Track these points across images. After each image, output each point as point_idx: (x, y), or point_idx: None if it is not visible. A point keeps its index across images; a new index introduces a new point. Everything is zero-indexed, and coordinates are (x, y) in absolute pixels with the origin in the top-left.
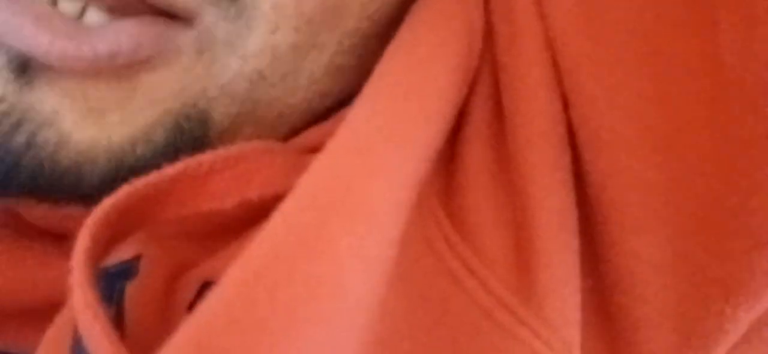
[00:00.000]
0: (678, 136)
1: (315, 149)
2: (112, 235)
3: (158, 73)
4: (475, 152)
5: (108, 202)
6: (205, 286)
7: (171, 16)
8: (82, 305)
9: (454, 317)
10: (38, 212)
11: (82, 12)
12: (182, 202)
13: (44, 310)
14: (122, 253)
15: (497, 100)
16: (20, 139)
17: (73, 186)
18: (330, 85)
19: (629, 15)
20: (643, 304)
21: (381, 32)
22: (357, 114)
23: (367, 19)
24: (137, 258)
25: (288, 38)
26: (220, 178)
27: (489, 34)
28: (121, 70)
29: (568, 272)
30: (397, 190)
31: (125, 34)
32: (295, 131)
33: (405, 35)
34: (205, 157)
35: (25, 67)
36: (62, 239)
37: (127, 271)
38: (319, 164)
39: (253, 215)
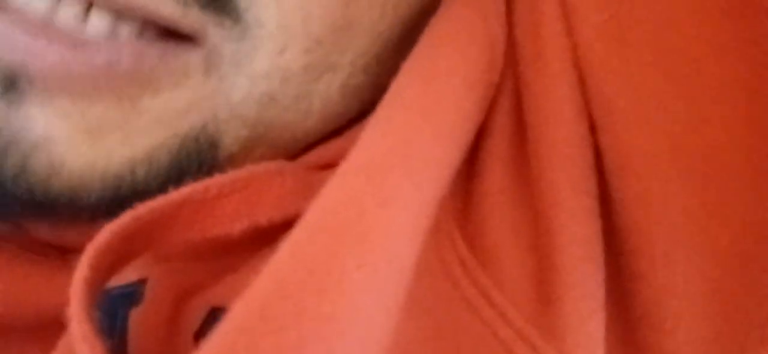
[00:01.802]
0: (716, 163)
1: (327, 166)
2: (114, 260)
3: (163, 95)
4: (495, 173)
5: (110, 228)
6: (213, 313)
7: (178, 35)
8: (79, 338)
9: (470, 348)
10: (42, 227)
11: (86, 15)
12: (189, 227)
13: (49, 326)
14: (127, 276)
15: (519, 118)
16: (10, 164)
17: (66, 210)
18: (345, 106)
19: (665, 33)
20: (673, 340)
21: (395, 48)
22: (371, 134)
23: (379, 36)
24: (142, 281)
25: (298, 60)
26: (228, 203)
27: (512, 48)
28: (123, 88)
29: (593, 304)
30: (413, 215)
31: (126, 48)
32: (307, 149)
33: (423, 49)
34: (213, 182)
35: (13, 82)
36: (67, 253)
37: (131, 295)
38: (330, 189)
39: (263, 237)
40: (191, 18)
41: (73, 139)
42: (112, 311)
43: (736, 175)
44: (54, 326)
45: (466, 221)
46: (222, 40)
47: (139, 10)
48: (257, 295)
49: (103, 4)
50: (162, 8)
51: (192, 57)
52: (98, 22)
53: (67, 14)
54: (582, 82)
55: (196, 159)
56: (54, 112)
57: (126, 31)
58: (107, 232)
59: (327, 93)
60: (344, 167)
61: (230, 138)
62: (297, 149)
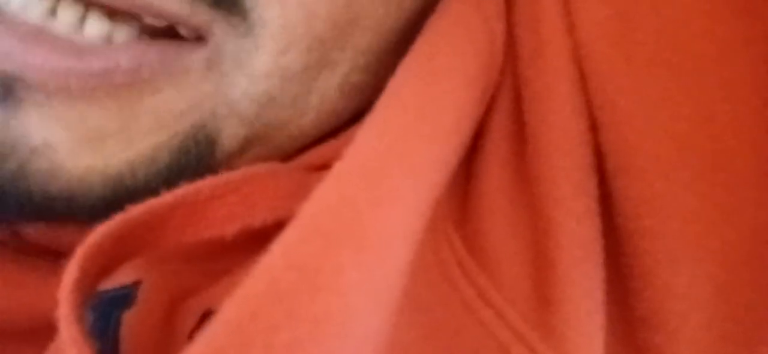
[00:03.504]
0: (722, 163)
1: (323, 167)
2: (105, 262)
3: (163, 94)
4: (494, 172)
5: (100, 230)
6: (207, 316)
7: (178, 36)
8: (68, 340)
9: (468, 350)
10: (38, 230)
11: (83, 20)
12: (181, 230)
13: (42, 330)
14: (120, 278)
15: (519, 116)
16: (10, 167)
17: (64, 211)
18: (343, 105)
19: (670, 30)
20: (677, 341)
21: (397, 48)
22: (367, 133)
23: (381, 35)
24: (136, 284)
25: (299, 59)
26: (221, 205)
27: (511, 46)
28: (121, 92)
29: (592, 306)
30: (409, 215)
31: (124, 53)
32: (304, 148)
33: (421, 47)
34: (205, 184)
35: (11, 89)
36: (62, 257)
37: (124, 297)
38: (324, 189)
39: (258, 240)
40: (199, 15)
41: (72, 146)
42: (106, 314)
43: (743, 175)
44: (47, 330)
45: (465, 222)
46: (225, 37)
47: (144, 7)
48: (249, 295)
49: (105, 3)
50: (168, 5)
51: (193, 57)
52: (95, 28)
53: (64, 20)
54: (583, 80)
55: (195, 157)
56: (53, 120)
57: (123, 35)
58: (98, 233)
59: (325, 90)
60: (339, 166)
61: (228, 136)
62: (293, 148)
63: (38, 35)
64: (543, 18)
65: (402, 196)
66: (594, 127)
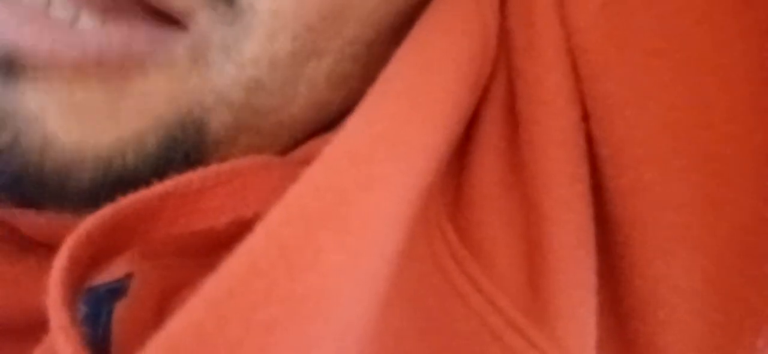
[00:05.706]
0: (715, 152)
1: None
2: (96, 253)
3: (150, 79)
4: (487, 162)
5: (91, 220)
6: None
7: (166, 19)
8: (56, 328)
9: (461, 339)
10: (34, 224)
11: (76, 18)
12: (173, 221)
13: (38, 327)
14: (113, 272)
15: (511, 106)
16: (4, 139)
17: (58, 191)
18: (332, 94)
19: (664, 20)
20: (666, 332)
21: (386, 40)
22: (357, 119)
23: (370, 26)
24: (128, 277)
25: (286, 46)
26: (213, 196)
27: (505, 36)
28: (111, 72)
29: (584, 294)
30: (397, 202)
31: (116, 35)
32: (297, 143)
33: (415, 37)
34: (197, 174)
35: (10, 66)
36: (55, 251)
37: (116, 290)
38: (311, 173)
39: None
40: (182, 0)
41: (62, 118)
42: (98, 307)
43: (736, 166)
44: (42, 326)
45: (458, 211)
46: (211, 24)
47: None
48: (228, 274)
49: None
50: None
51: (179, 45)
52: (88, 23)
53: (59, 14)
54: (576, 70)
55: (183, 145)
56: (44, 93)
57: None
58: (88, 223)
59: (313, 78)
60: (327, 151)
61: (216, 123)
62: (285, 139)
63: (38, 16)
64: (536, 9)
65: (390, 182)
66: (586, 117)
